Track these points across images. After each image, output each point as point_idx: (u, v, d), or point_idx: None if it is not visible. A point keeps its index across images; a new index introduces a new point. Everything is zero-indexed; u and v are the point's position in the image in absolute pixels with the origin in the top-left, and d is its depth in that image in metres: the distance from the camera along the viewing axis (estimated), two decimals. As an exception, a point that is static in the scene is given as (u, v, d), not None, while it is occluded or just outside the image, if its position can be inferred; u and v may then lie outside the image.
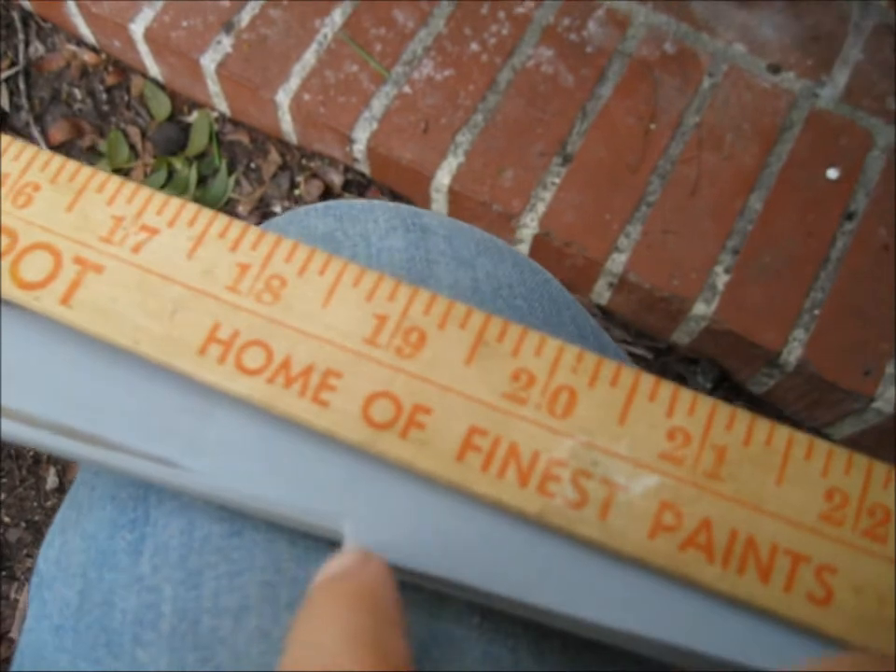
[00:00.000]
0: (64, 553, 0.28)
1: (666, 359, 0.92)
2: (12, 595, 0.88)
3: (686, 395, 0.23)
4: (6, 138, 0.26)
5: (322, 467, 0.23)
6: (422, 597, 0.24)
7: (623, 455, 0.22)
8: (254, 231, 0.24)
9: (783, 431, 0.22)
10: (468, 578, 0.22)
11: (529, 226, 0.86)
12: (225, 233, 0.24)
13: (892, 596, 0.20)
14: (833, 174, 0.88)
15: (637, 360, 0.92)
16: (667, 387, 0.23)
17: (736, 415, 0.22)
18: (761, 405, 0.92)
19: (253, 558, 0.25)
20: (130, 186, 0.25)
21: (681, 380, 0.92)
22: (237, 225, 0.24)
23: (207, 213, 0.24)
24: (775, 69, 0.92)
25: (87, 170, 0.25)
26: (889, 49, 0.93)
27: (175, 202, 0.24)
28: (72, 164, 0.25)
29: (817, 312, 0.84)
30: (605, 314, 0.93)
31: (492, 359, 0.23)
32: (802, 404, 0.89)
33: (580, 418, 0.22)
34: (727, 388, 0.92)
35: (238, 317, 0.23)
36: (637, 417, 0.22)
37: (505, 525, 0.22)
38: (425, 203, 0.93)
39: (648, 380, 0.23)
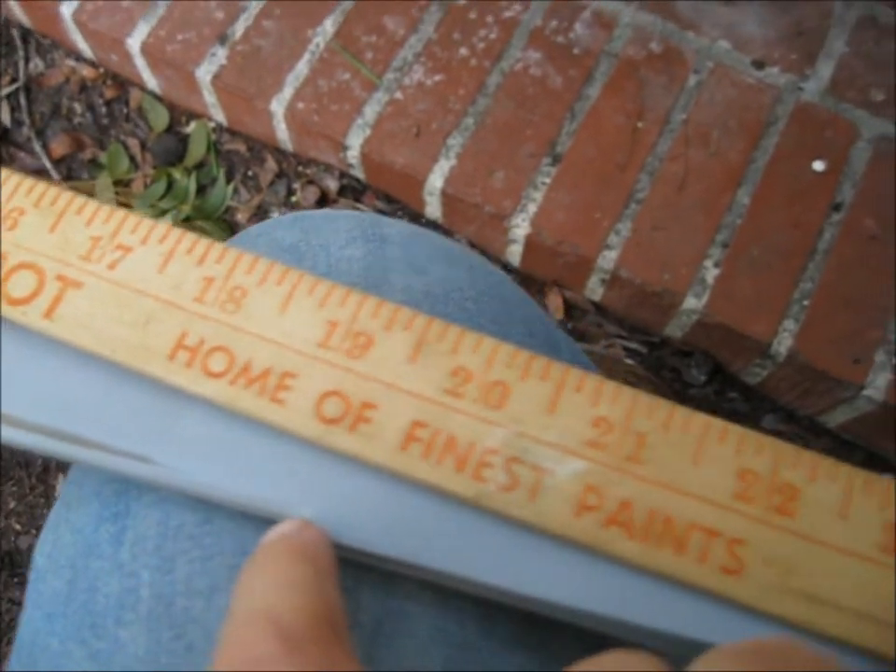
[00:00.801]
0: (56, 548, 0.30)
1: (661, 353, 0.94)
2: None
3: (610, 386, 0.25)
4: (-9, 166, 0.28)
5: (281, 460, 0.25)
6: (376, 577, 0.26)
7: (552, 442, 0.24)
8: (219, 247, 0.26)
9: (699, 417, 0.24)
10: (415, 557, 0.24)
11: (521, 226, 0.88)
12: (192, 249, 0.26)
13: (800, 567, 0.22)
14: (819, 166, 0.90)
15: (632, 354, 0.94)
16: (593, 380, 0.25)
17: (657, 404, 0.24)
18: (755, 395, 0.94)
19: (223, 544, 0.27)
20: (106, 208, 0.27)
21: (676, 373, 0.94)
22: (204, 241, 0.26)
23: (177, 231, 0.26)
24: (759, 65, 0.93)
25: (67, 194, 0.27)
26: (872, 41, 0.95)
27: (148, 221, 0.27)
28: (53, 189, 0.27)
29: (806, 302, 0.85)
30: (599, 309, 0.95)
31: (433, 358, 0.25)
32: (795, 393, 0.91)
33: (512, 410, 0.24)
34: (721, 380, 0.94)
35: (204, 326, 0.25)
36: (565, 408, 0.24)
37: (447, 508, 0.24)
38: (419, 206, 0.95)
39: (576, 374, 0.25)
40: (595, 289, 0.92)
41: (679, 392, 0.93)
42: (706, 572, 0.22)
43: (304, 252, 0.34)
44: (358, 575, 0.26)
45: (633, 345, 0.94)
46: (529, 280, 0.96)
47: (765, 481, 0.23)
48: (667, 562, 0.22)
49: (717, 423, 0.24)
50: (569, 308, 0.96)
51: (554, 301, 0.95)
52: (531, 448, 0.24)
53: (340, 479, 0.25)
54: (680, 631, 0.23)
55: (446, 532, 0.24)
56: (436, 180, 0.89)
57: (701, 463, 0.23)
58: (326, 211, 0.37)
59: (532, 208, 0.88)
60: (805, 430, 0.94)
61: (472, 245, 0.98)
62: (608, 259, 0.86)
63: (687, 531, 0.23)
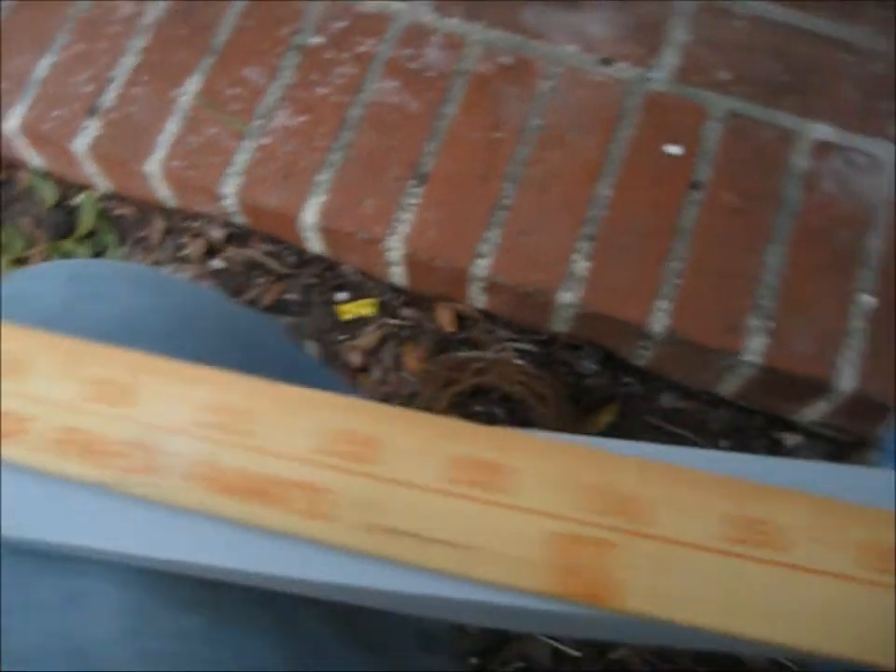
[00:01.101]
0: None
1: (551, 349, 0.98)
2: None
3: (224, 375, 0.29)
4: None
5: None
6: (56, 562, 0.30)
7: (173, 428, 0.28)
8: None
9: (293, 390, 0.28)
10: (79, 540, 0.28)
11: (396, 248, 0.91)
12: None
13: (385, 507, 0.26)
14: (674, 150, 0.93)
15: (525, 355, 0.97)
16: (208, 372, 0.29)
17: (257, 385, 0.28)
18: (649, 377, 0.97)
19: None
20: None
21: (569, 366, 0.97)
22: None
23: None
24: (607, 62, 0.97)
25: None
26: (713, 26, 0.99)
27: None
28: None
29: (677, 281, 0.88)
30: (487, 316, 0.98)
31: (80, 373, 0.29)
32: (683, 369, 0.94)
33: (143, 407, 0.29)
34: (613, 367, 0.97)
35: None
36: (184, 397, 0.28)
37: (100, 497, 0.28)
38: (300, 242, 0.99)
39: (195, 369, 0.29)
40: (478, 298, 0.96)
41: (574, 384, 0.97)
42: (302, 521, 0.26)
43: (7, 302, 0.38)
44: (38, 562, 0.30)
45: (524, 346, 0.98)
46: (421, 298, 1.00)
47: (348, 435, 0.27)
48: (268, 516, 0.26)
49: (307, 392, 0.28)
50: (462, 319, 0.99)
51: (444, 314, 0.99)
52: (157, 436, 0.28)
53: (19, 487, 0.29)
54: (294, 575, 0.26)
55: (103, 518, 0.28)
56: (308, 216, 0.93)
57: (292, 428, 0.27)
58: (40, 265, 0.41)
59: (404, 229, 0.92)
60: (703, 404, 0.97)
61: (362, 273, 1.01)
62: (481, 267, 0.90)
63: (283, 487, 0.26)
